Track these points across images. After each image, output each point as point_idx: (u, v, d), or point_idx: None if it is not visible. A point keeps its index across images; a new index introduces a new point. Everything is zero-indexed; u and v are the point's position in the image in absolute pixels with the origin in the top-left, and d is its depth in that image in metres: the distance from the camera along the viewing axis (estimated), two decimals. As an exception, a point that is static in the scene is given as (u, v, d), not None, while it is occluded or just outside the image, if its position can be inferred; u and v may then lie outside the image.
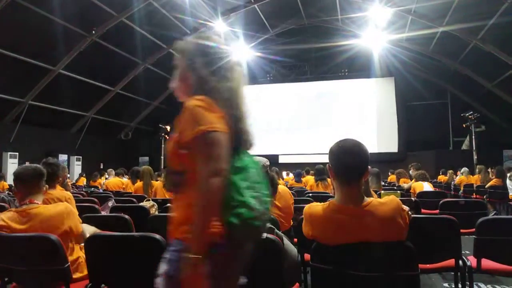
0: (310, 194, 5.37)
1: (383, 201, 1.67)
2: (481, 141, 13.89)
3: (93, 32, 12.61)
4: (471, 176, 10.15)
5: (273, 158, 3.78)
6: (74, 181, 11.96)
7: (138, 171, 6.65)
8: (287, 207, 3.12)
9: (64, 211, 2.33)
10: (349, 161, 1.68)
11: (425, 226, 2.56)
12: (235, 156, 1.37)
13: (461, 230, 2.70)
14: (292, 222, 3.24)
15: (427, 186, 6.40)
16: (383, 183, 10.41)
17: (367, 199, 1.68)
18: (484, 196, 7.93)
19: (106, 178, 10.58)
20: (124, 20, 12.90)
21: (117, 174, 9.19)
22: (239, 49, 17.52)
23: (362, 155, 1.69)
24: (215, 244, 1.27)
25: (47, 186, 2.66)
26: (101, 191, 7.80)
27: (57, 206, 2.39)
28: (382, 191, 3.83)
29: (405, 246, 1.63)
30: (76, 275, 2.29)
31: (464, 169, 10.18)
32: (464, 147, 17.56)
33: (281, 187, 3.20)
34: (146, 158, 19.58)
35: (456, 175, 11.53)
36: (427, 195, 6.02)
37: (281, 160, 18.09)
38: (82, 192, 6.60)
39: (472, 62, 14.88)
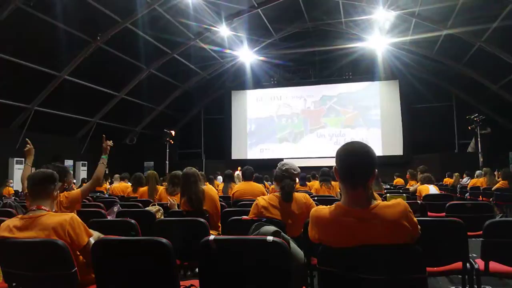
0: (316, 198, 5.35)
1: (390, 204, 1.67)
2: (487, 144, 13.81)
3: (98, 38, 12.69)
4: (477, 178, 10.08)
5: (278, 162, 3.81)
6: (78, 187, 12.00)
7: (140, 177, 6.63)
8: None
9: (67, 221, 2.22)
10: (355, 164, 1.68)
11: (432, 229, 2.54)
12: None
13: (468, 233, 2.69)
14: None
15: (433, 189, 6.37)
16: (388, 186, 10.43)
17: (374, 202, 1.68)
18: (491, 199, 7.88)
19: (110, 183, 10.61)
20: (128, 26, 12.98)
21: (121, 179, 9.22)
22: (243, 53, 17.59)
23: (368, 158, 1.69)
24: None
25: (58, 191, 2.61)
26: (106, 196, 7.83)
27: (62, 215, 2.29)
28: (388, 195, 3.83)
29: (412, 249, 1.63)
30: (83, 280, 2.29)
31: (479, 171, 10.10)
32: (469, 149, 17.46)
33: (297, 195, 3.17)
34: (151, 163, 19.64)
35: (462, 178, 11.47)
36: (433, 198, 5.99)
37: (286, 164, 18.03)
38: (88, 197, 6.62)
39: (476, 64, 14.83)
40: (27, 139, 3.92)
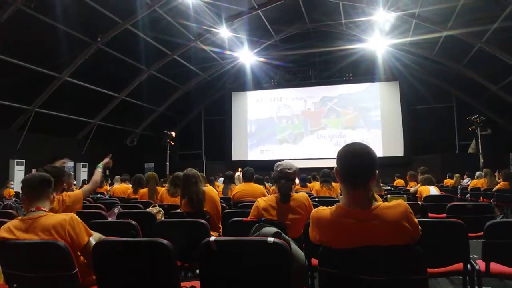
0: (316, 199, 5.35)
1: (390, 205, 1.67)
2: (487, 145, 13.80)
3: (98, 39, 12.70)
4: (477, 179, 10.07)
5: (278, 163, 3.86)
6: (78, 188, 11.99)
7: (141, 179, 6.62)
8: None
9: (66, 221, 2.25)
10: (356, 165, 1.68)
11: (432, 230, 2.54)
12: None
13: (469, 234, 2.68)
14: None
15: (433, 190, 6.37)
16: (389, 187, 10.42)
17: (375, 203, 1.68)
18: (492, 200, 7.87)
19: (110, 185, 10.62)
20: (129, 27, 12.98)
21: (123, 180, 9.22)
22: (243, 55, 17.60)
23: (369, 159, 1.69)
24: None
25: (54, 194, 2.64)
26: (107, 197, 7.83)
27: (61, 215, 2.32)
28: (389, 196, 3.82)
29: (413, 250, 1.63)
30: (83, 281, 2.29)
31: (479, 172, 10.10)
32: (470, 150, 17.45)
33: (296, 195, 3.15)
34: (152, 164, 19.62)
35: (463, 179, 11.46)
36: (434, 199, 5.99)
37: (286, 165, 18.00)
38: (88, 198, 6.62)
39: (477, 65, 14.82)
40: (64, 160, 4.27)
